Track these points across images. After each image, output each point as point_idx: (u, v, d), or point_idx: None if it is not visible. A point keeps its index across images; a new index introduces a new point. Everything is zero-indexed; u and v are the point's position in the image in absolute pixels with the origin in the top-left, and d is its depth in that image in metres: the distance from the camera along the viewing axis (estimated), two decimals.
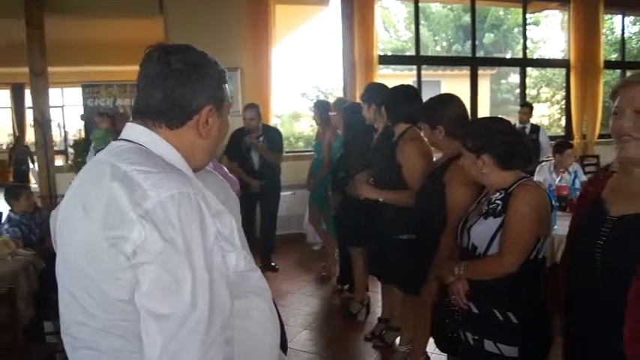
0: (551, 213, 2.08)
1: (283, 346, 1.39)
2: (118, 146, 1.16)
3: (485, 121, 2.25)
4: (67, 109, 12.71)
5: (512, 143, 2.01)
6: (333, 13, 7.30)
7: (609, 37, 11.28)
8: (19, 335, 2.59)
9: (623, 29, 9.26)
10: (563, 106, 9.06)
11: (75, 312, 1.10)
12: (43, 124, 6.02)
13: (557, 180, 4.30)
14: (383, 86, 3.65)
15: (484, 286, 1.99)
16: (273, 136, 5.34)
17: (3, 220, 4.04)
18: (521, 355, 1.92)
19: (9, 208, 4.06)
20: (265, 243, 5.37)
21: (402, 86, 3.27)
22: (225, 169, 3.12)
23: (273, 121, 6.78)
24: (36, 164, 7.48)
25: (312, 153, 5.69)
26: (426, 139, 2.77)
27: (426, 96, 2.98)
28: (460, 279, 2.03)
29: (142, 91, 1.16)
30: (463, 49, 14.85)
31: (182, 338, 0.98)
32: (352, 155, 3.92)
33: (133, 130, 1.17)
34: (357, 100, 5.62)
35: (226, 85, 1.24)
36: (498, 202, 1.99)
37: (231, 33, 6.26)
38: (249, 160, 5.15)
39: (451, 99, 2.62)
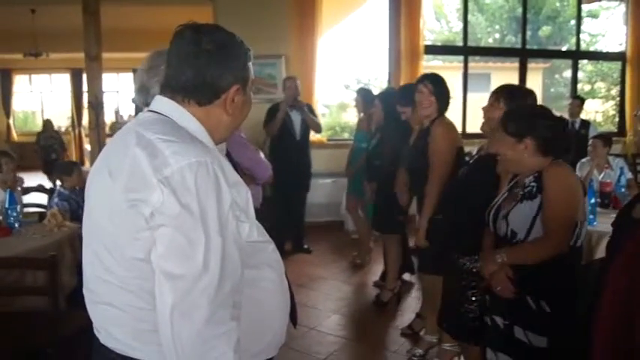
0: (584, 198, 2.05)
1: (293, 318, 1.45)
2: (145, 117, 1.24)
3: (528, 107, 2.22)
4: (122, 94, 13.18)
5: (555, 129, 2.02)
6: (380, 2, 7.28)
7: None
8: (60, 300, 2.76)
9: None
10: (618, 102, 8.70)
11: (97, 268, 1.19)
12: (96, 106, 6.31)
13: (601, 176, 4.17)
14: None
15: (519, 273, 1.97)
16: (310, 108, 5.52)
17: (54, 195, 4.28)
18: (550, 346, 1.91)
19: (59, 183, 4.29)
20: (297, 226, 5.49)
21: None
22: (260, 154, 3.20)
23: (321, 111, 6.85)
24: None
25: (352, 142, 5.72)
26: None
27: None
28: (503, 267, 2.00)
29: (173, 68, 1.23)
30: (516, 40, 14.43)
31: (193, 297, 1.05)
32: (386, 145, 3.94)
33: (161, 103, 1.25)
34: None
35: (251, 64, 1.29)
36: (532, 184, 1.99)
37: (278, 20, 6.35)
38: (291, 130, 5.25)
39: (529, 94, 2.57)
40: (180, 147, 1.11)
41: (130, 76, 7.52)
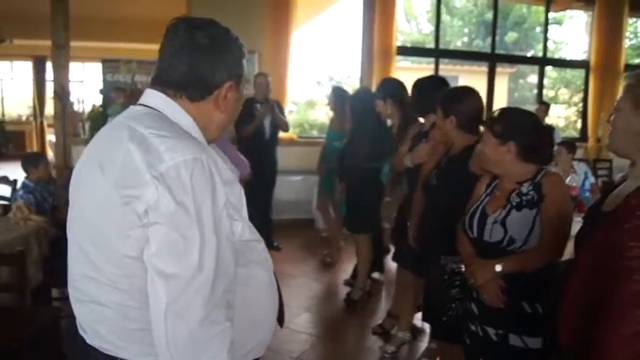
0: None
1: (280, 318, 1.44)
2: (136, 110, 1.21)
3: (517, 111, 2.22)
4: (87, 84, 12.82)
5: (541, 138, 2.03)
6: (354, 2, 7.30)
7: (632, 41, 11.12)
8: (27, 297, 2.68)
9: None
10: (581, 109, 8.98)
11: (83, 266, 1.15)
12: (62, 96, 6.12)
13: (567, 180, 4.29)
14: (399, 81, 3.67)
15: (512, 281, 1.97)
16: (279, 106, 5.49)
17: (18, 187, 4.14)
18: (545, 344, 1.94)
19: (24, 175, 4.15)
20: (264, 224, 5.44)
21: (431, 77, 3.32)
22: (236, 150, 3.17)
23: (289, 108, 6.81)
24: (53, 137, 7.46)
25: (323, 140, 5.72)
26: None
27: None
28: (495, 278, 1.98)
29: (165, 61, 1.20)
30: (484, 45, 14.71)
31: (187, 297, 1.03)
32: (358, 144, 3.94)
33: (152, 97, 1.22)
34: (374, 90, 5.66)
35: (245, 61, 1.27)
36: (532, 192, 1.98)
37: (253, 15, 6.27)
38: (261, 128, 5.20)
39: (470, 93, 2.62)
40: (175, 143, 1.09)
41: (97, 66, 7.30)
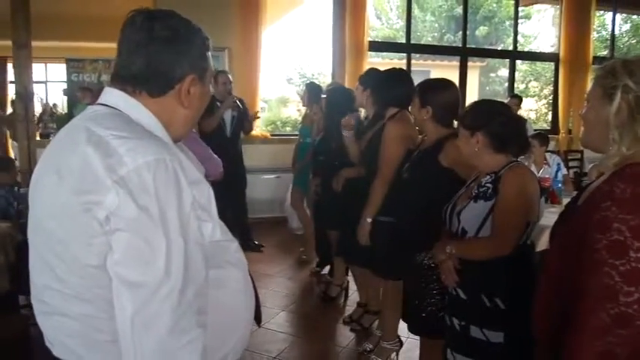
0: (540, 199, 2.09)
1: (257, 318, 1.39)
2: (94, 110, 1.14)
3: (487, 102, 2.24)
4: (51, 85, 12.49)
5: (509, 127, 2.02)
6: None
7: (600, 34, 11.34)
8: None
9: (613, 26, 9.31)
10: (551, 101, 9.11)
11: (46, 277, 1.09)
12: (25, 97, 5.93)
13: (540, 172, 4.32)
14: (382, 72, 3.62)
15: (472, 272, 2.01)
16: (243, 103, 5.39)
17: None
18: (506, 340, 1.94)
19: None
20: (240, 223, 5.36)
21: (393, 70, 3.26)
22: (209, 150, 3.09)
23: (260, 105, 6.73)
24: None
25: (297, 137, 5.67)
26: (412, 120, 2.76)
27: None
28: (450, 258, 2.04)
29: (123, 56, 1.14)
30: (455, 39, 14.85)
31: (154, 306, 0.98)
32: (332, 140, 3.90)
33: (111, 95, 1.15)
34: (346, 85, 5.62)
35: (209, 54, 1.21)
36: (489, 185, 2.00)
37: (222, 12, 6.18)
38: (222, 126, 5.11)
39: (448, 85, 2.60)
40: (136, 144, 1.02)
41: (61, 67, 7.11)
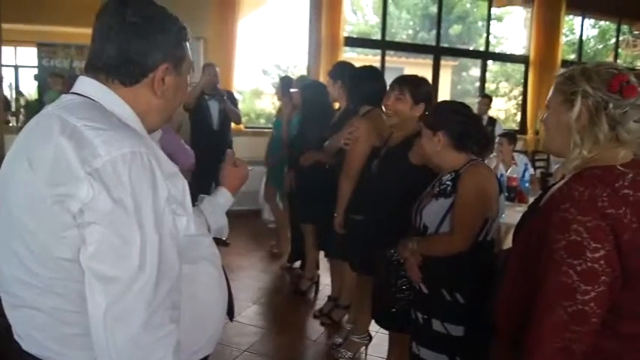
0: (499, 196, 2.16)
1: (230, 312, 1.40)
2: (68, 100, 1.12)
3: (447, 102, 2.32)
4: (22, 70, 12.11)
5: (469, 126, 2.09)
6: None
7: (568, 38, 11.59)
8: None
9: (581, 31, 9.55)
10: (520, 102, 9.31)
11: (16, 269, 1.07)
12: None
13: (508, 171, 4.43)
14: (352, 65, 3.64)
15: (434, 267, 2.06)
16: (231, 96, 5.37)
17: None
18: (467, 334, 2.01)
19: None
20: None
21: (366, 67, 3.29)
22: (181, 140, 3.07)
23: (235, 96, 6.68)
24: None
25: (271, 130, 5.66)
26: (383, 118, 2.78)
27: (389, 82, 2.98)
28: (414, 254, 2.10)
29: (95, 44, 1.12)
30: (429, 37, 14.96)
31: (128, 301, 0.97)
32: (308, 133, 3.92)
33: (84, 84, 1.13)
34: (321, 80, 5.64)
35: (187, 43, 1.20)
36: (449, 182, 2.06)
37: (197, 1, 6.10)
38: (209, 119, 5.07)
39: (426, 81, 2.66)
40: (111, 135, 1.01)
41: (32, 50, 6.90)
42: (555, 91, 1.32)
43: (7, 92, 10.68)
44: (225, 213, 1.51)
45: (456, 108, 2.17)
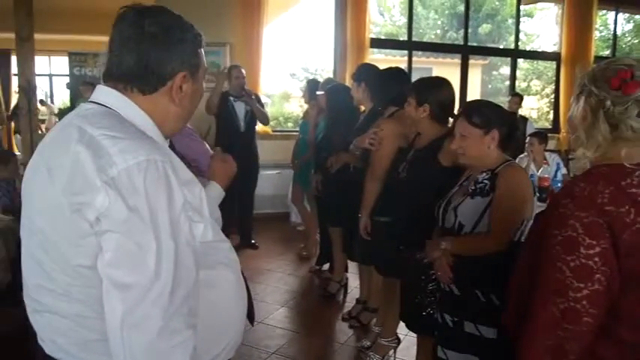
0: (534, 197, 2.13)
1: (250, 317, 1.40)
2: (86, 109, 1.13)
3: (489, 102, 2.26)
4: (55, 79, 12.46)
5: (513, 126, 2.11)
6: None
7: (602, 33, 11.31)
8: None
9: (615, 26, 9.29)
10: (552, 100, 9.10)
11: (38, 276, 1.09)
12: (28, 91, 5.93)
13: (540, 171, 4.33)
14: (376, 67, 3.62)
15: (467, 268, 2.03)
16: (257, 99, 5.38)
17: None
18: (500, 335, 1.95)
19: None
20: (244, 221, 5.37)
21: (391, 69, 3.27)
22: (207, 146, 3.09)
23: (263, 100, 6.74)
24: None
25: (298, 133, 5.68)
26: (408, 119, 2.76)
27: None
28: (445, 254, 2.06)
29: (113, 53, 1.13)
30: (457, 37, 14.80)
31: (144, 308, 0.98)
32: (334, 136, 3.91)
33: (103, 93, 1.15)
34: (347, 82, 5.62)
35: (202, 50, 1.21)
36: (486, 181, 2.03)
37: (224, 7, 6.20)
38: (235, 121, 5.10)
39: (444, 83, 2.61)
40: (128, 144, 1.02)
41: (64, 60, 7.09)
42: (574, 91, 1.31)
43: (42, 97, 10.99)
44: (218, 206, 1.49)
45: (500, 108, 2.16)
